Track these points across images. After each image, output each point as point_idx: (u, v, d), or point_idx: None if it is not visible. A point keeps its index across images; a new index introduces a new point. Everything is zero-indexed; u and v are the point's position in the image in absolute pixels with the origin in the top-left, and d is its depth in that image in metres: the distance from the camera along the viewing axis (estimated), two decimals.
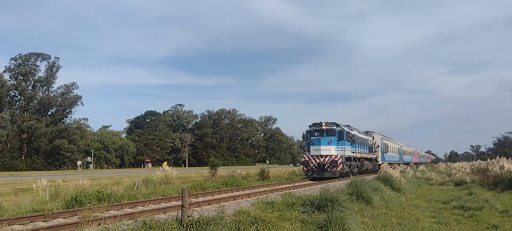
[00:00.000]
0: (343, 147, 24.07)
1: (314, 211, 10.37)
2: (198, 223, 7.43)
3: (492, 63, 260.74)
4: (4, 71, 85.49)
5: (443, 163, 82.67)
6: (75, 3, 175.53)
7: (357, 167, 27.55)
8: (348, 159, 25.05)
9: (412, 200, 17.77)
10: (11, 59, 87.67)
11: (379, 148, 37.11)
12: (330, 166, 23.24)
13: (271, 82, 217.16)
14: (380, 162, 36.24)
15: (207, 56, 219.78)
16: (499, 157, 30.33)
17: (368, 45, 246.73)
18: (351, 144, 25.78)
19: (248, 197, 12.63)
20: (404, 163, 50.48)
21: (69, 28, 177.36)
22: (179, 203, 9.01)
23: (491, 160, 34.55)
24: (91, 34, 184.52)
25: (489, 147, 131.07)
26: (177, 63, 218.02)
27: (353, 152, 26.17)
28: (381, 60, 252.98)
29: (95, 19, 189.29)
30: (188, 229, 7.27)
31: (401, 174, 24.28)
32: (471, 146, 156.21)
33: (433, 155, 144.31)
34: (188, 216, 7.57)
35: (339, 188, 14.79)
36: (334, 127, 24.40)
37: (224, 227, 7.58)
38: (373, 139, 35.83)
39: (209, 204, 10.86)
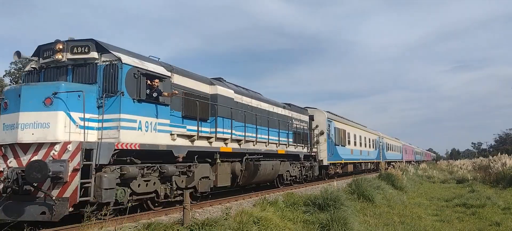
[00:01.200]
0: (116, 116, 8.17)
1: (316, 210, 10.37)
2: (200, 224, 7.43)
3: (493, 60, 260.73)
4: (4, 76, 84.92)
5: (445, 161, 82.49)
6: (76, 7, 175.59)
7: (225, 174, 12.04)
8: (143, 152, 8.86)
9: (414, 198, 17.75)
10: (11, 63, 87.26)
11: (325, 136, 21.07)
12: (41, 182, 7.22)
13: (272, 83, 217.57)
14: (327, 162, 21.26)
15: (208, 58, 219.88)
16: (501, 154, 30.24)
17: (368, 44, 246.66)
18: (172, 111, 9.79)
19: (250, 198, 12.62)
20: (387, 162, 34.49)
21: (70, 32, 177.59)
22: (181, 205, 9.00)
23: (492, 157, 34.49)
24: (91, 37, 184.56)
25: (491, 144, 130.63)
26: (178, 64, 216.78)
27: (191, 137, 10.31)
28: (381, 58, 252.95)
29: (95, 22, 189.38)
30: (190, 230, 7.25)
31: (403, 173, 24.19)
32: (472, 143, 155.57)
33: (434, 152, 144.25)
34: (193, 217, 7.56)
35: (341, 188, 14.79)
36: (83, 50, 8.58)
37: (226, 228, 7.57)
38: (310, 120, 20.14)
39: (210, 206, 10.85)
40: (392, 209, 13.43)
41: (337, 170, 23.68)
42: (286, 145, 16.22)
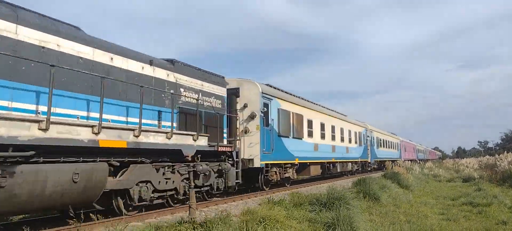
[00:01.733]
0: None
1: (321, 209, 10.35)
2: (205, 223, 7.45)
3: (499, 58, 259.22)
4: None
5: (451, 159, 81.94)
6: (80, 7, 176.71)
7: None
8: None
9: (420, 197, 17.68)
10: None
11: (257, 122, 13.76)
12: None
13: (276, 82, 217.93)
14: (260, 163, 13.61)
15: (211, 57, 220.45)
16: (507, 152, 30.07)
17: (373, 43, 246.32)
18: None
19: (255, 197, 12.64)
20: (380, 160, 32.08)
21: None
22: (187, 204, 9.03)
23: (499, 155, 34.28)
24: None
25: (497, 142, 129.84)
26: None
27: None
28: (386, 57, 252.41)
29: (100, 22, 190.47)
30: (195, 229, 7.28)
31: (408, 171, 24.10)
32: (478, 141, 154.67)
33: (440, 151, 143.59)
34: (198, 216, 7.59)
35: (346, 186, 14.77)
36: None
37: (231, 227, 7.59)
38: (231, 96, 13.45)
39: (216, 205, 10.88)
40: (398, 208, 13.37)
41: (286, 175, 15.94)
42: (134, 131, 8.01)
